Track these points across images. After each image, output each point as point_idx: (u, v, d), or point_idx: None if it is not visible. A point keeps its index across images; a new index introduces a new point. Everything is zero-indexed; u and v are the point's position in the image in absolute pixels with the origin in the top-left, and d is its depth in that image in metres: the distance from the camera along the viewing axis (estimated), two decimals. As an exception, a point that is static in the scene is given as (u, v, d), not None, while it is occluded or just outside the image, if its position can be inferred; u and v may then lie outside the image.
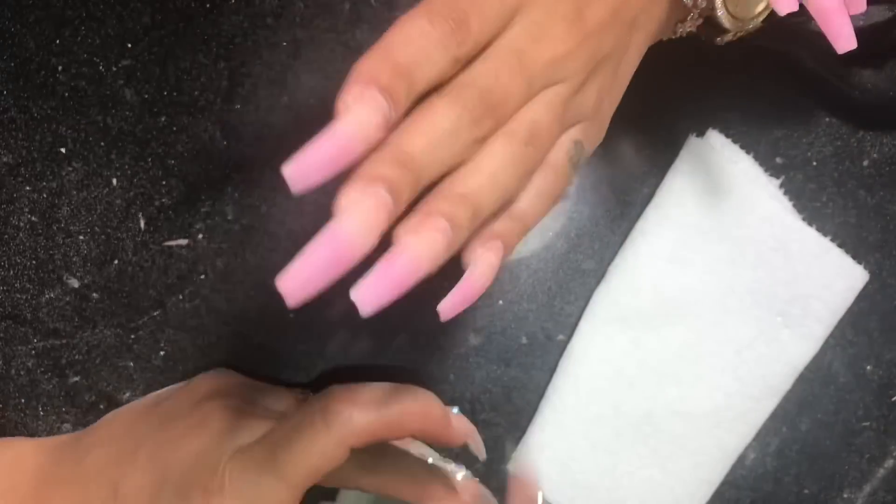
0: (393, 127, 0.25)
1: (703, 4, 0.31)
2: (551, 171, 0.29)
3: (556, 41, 0.27)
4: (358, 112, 0.23)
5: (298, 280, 0.23)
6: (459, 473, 0.39)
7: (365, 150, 0.24)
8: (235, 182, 0.40)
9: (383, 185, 0.24)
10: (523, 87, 0.27)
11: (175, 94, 0.40)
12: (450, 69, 0.26)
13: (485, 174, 0.26)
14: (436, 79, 0.25)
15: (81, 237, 0.40)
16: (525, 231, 0.29)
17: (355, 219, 0.23)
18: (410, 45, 0.25)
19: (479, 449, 0.38)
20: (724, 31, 0.32)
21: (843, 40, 0.30)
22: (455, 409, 0.40)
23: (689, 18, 0.32)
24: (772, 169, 0.40)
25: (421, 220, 0.25)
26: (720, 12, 0.31)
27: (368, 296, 0.24)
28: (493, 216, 0.28)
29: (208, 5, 0.40)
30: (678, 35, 0.33)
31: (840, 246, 0.39)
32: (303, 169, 0.23)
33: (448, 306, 0.26)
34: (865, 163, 0.41)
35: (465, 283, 0.27)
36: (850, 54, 0.38)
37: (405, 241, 0.25)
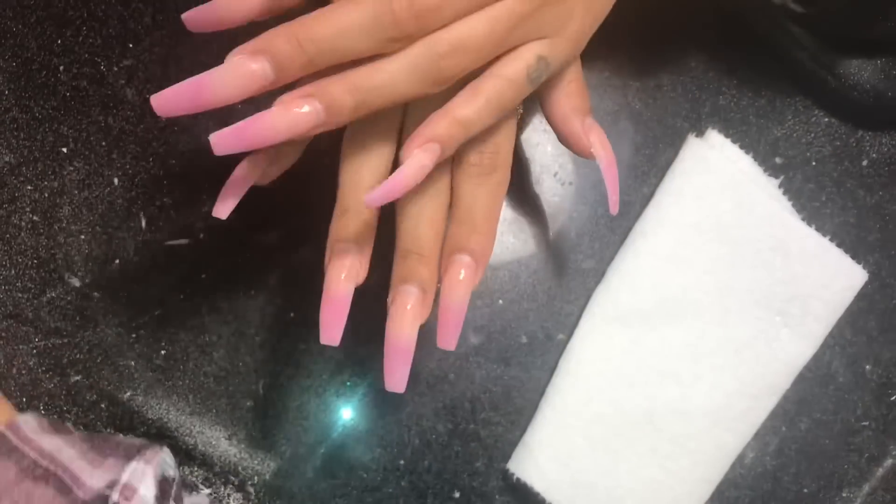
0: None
1: None
2: (504, 82, 0.28)
3: None
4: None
5: (170, 103, 0.27)
6: None
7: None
8: (236, 182, 0.40)
9: (267, 57, 0.26)
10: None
11: (176, 93, 0.40)
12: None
13: (384, 73, 0.27)
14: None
15: (83, 236, 0.40)
16: (466, 136, 0.29)
17: (224, 75, 0.27)
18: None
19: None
20: None
21: (395, 381, 0.30)
22: None
23: None
24: (771, 169, 0.40)
25: (295, 96, 0.27)
26: None
27: (221, 140, 0.27)
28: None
29: (209, 5, 0.40)
30: None
31: (839, 245, 0.39)
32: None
33: (374, 197, 0.27)
34: (864, 163, 0.41)
35: (393, 179, 0.27)
36: (849, 54, 0.39)
37: (273, 108, 0.27)
